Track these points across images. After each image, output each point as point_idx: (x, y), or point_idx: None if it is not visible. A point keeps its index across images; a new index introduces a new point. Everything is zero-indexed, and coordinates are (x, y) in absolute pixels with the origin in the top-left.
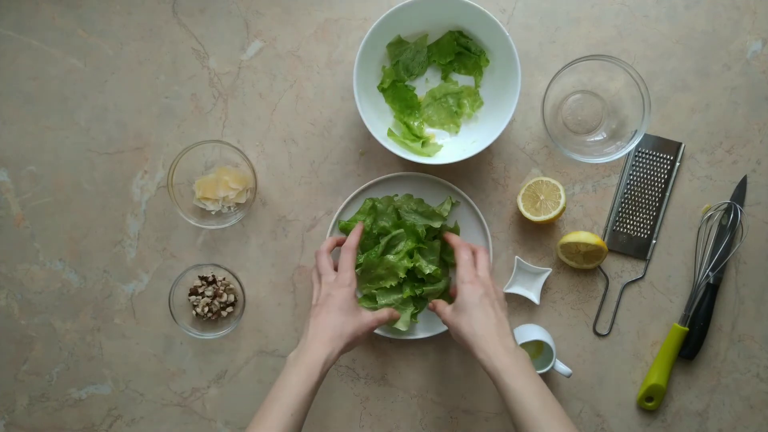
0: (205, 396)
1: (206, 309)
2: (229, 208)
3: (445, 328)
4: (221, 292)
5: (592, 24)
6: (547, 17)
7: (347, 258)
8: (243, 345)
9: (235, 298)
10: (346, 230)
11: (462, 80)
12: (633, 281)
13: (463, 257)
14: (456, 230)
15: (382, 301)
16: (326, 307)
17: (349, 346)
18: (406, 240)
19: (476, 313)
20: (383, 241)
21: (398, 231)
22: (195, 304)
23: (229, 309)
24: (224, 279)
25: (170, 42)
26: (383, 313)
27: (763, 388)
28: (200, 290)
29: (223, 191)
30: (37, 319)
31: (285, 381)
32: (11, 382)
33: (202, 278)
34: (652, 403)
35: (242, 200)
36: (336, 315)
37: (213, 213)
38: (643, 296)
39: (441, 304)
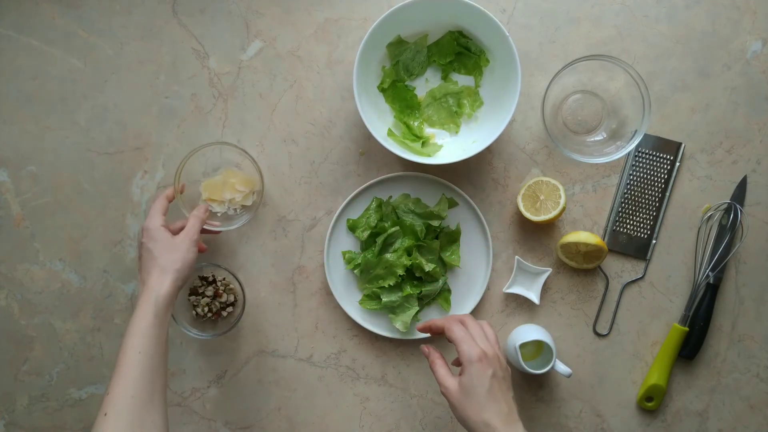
0: (205, 396)
1: (206, 309)
2: (234, 210)
3: None
4: (221, 292)
5: (592, 24)
6: (547, 17)
7: (155, 203)
8: (243, 345)
9: (235, 298)
10: (353, 228)
11: (462, 80)
12: (633, 281)
13: (458, 333)
14: (457, 232)
15: (385, 299)
16: (142, 253)
17: (179, 275)
18: (403, 238)
19: (487, 401)
20: (379, 240)
21: (394, 229)
22: (195, 304)
23: (229, 309)
24: (224, 279)
25: (170, 42)
26: (192, 224)
27: (763, 388)
28: (200, 290)
29: (229, 194)
30: (37, 319)
31: (129, 324)
32: (11, 382)
33: (202, 278)
34: (652, 403)
35: (248, 203)
36: (147, 258)
37: (219, 215)
38: (643, 296)
39: (443, 372)
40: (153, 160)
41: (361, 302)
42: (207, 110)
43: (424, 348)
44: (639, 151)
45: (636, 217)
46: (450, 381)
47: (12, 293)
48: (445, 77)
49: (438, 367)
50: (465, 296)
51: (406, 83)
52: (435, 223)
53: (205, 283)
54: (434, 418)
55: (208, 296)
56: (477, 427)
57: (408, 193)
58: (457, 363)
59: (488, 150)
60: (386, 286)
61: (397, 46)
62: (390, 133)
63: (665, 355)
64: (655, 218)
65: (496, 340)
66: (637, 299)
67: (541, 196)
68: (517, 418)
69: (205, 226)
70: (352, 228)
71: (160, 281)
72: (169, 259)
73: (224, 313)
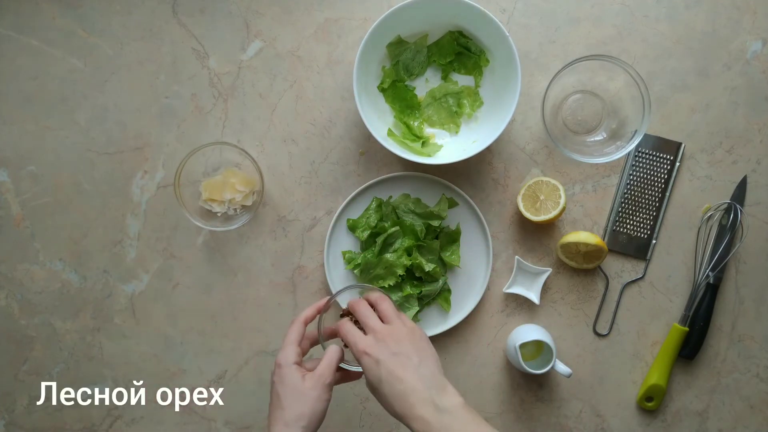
0: (205, 396)
1: None
2: (234, 210)
3: (445, 327)
4: None
5: (592, 24)
6: (547, 17)
7: (290, 331)
8: (243, 345)
9: None
10: (353, 228)
11: (462, 80)
12: (633, 281)
13: (343, 331)
14: (457, 232)
15: None
16: (272, 395)
17: (309, 426)
18: (403, 238)
19: (389, 391)
20: (379, 240)
21: (394, 229)
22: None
23: None
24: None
25: (170, 42)
26: (326, 364)
27: (763, 388)
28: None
29: (229, 194)
30: (37, 319)
31: None
32: (11, 382)
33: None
34: (652, 403)
35: (248, 203)
36: (275, 404)
37: (219, 215)
38: (643, 296)
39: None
40: (153, 160)
41: None
42: (207, 110)
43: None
44: (639, 151)
45: (636, 217)
46: (366, 380)
47: (12, 293)
48: (445, 77)
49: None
50: (465, 296)
51: (406, 83)
52: (435, 223)
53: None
54: None
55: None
56: (399, 419)
57: (408, 193)
58: None
59: (488, 150)
60: (386, 286)
61: (397, 46)
62: (390, 133)
63: (665, 355)
64: (655, 218)
65: (392, 308)
66: (637, 299)
67: (541, 196)
68: (437, 383)
69: (344, 366)
70: (352, 228)
71: None
72: (296, 412)
73: None
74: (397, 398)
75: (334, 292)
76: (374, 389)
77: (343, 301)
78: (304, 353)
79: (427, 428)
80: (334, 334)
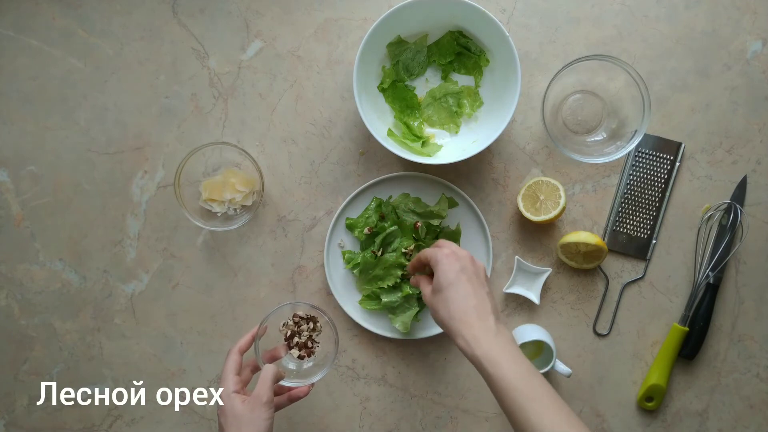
0: (205, 396)
1: (301, 351)
2: (235, 210)
3: None
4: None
5: (592, 24)
6: (547, 17)
7: (226, 362)
8: None
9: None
10: (351, 228)
11: (462, 80)
12: (633, 281)
13: (429, 250)
14: (458, 232)
15: (385, 299)
16: (218, 428)
17: None
18: (401, 237)
19: (452, 293)
20: (378, 240)
21: (392, 228)
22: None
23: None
24: (316, 325)
25: (170, 42)
26: (260, 385)
27: (763, 388)
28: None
29: (229, 194)
30: (37, 319)
31: None
32: (11, 382)
33: (297, 317)
34: (652, 403)
35: (248, 203)
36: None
37: (219, 215)
38: (643, 296)
39: (424, 283)
40: (153, 160)
41: (360, 302)
42: (207, 110)
43: (412, 280)
44: (639, 151)
45: (636, 217)
46: (428, 288)
47: (12, 293)
48: (445, 77)
49: (423, 283)
50: None
51: (406, 83)
52: (435, 222)
53: (301, 320)
54: (434, 418)
55: (305, 334)
56: (446, 323)
57: (408, 192)
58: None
59: (488, 150)
60: (385, 286)
61: (397, 46)
62: (390, 133)
63: (665, 355)
64: (655, 218)
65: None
66: (637, 299)
67: (541, 196)
68: (489, 311)
69: (285, 383)
70: (351, 227)
71: None
72: None
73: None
74: (454, 304)
75: (333, 292)
76: (436, 291)
77: (273, 325)
78: (246, 382)
79: (478, 343)
80: (273, 358)
